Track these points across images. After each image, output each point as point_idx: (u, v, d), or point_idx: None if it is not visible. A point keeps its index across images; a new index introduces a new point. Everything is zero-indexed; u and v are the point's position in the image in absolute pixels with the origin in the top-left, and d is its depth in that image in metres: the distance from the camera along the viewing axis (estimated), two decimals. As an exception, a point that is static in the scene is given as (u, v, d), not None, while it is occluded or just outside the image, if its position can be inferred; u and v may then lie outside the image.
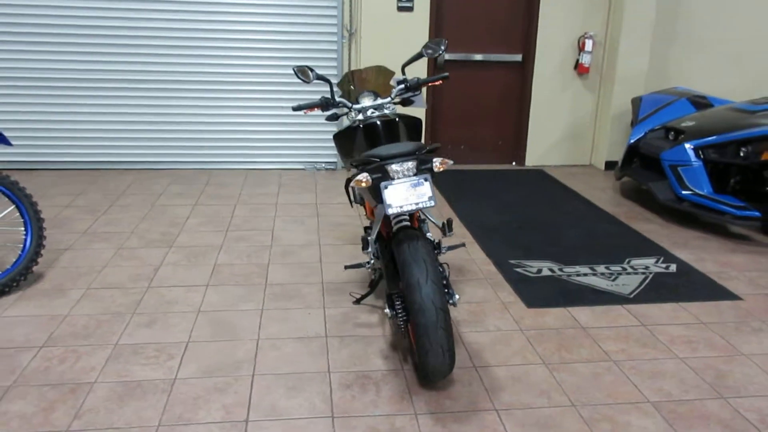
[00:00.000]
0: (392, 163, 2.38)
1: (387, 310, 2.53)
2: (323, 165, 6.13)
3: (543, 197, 5.32)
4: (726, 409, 2.45)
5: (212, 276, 3.60)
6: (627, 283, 3.61)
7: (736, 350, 2.90)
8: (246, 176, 5.80)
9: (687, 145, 4.54)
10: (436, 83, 3.30)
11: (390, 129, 3.07)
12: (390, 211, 2.32)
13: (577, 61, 6.16)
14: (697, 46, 6.33)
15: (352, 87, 3.55)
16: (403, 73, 3.33)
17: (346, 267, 3.04)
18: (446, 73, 3.31)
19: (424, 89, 5.95)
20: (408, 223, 2.87)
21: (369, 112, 3.33)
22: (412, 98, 3.43)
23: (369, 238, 3.06)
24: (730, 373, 2.71)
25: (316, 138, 6.04)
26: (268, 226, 4.47)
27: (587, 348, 2.90)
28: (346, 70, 5.83)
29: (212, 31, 5.70)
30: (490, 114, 6.37)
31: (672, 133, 4.89)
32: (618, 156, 6.30)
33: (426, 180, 2.35)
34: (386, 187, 2.33)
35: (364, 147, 3.05)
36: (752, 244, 4.28)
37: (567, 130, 6.39)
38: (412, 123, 3.17)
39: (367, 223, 4.40)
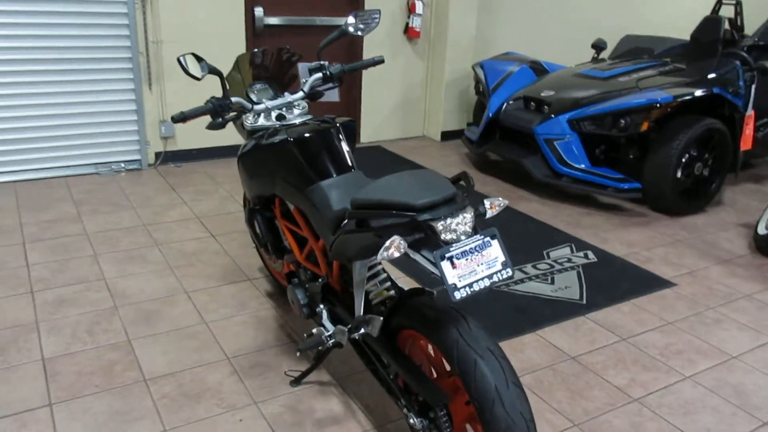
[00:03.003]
0: (440, 217, 1.52)
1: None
2: (123, 165, 4.71)
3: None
4: (780, 439, 2.19)
5: (49, 386, 2.32)
6: (568, 284, 3.23)
7: (723, 353, 2.70)
8: (17, 193, 4.15)
9: (562, 118, 4.32)
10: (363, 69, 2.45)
11: (330, 144, 2.16)
12: (457, 296, 1.48)
13: (407, 24, 5.60)
14: (504, 10, 6.22)
15: (240, 78, 2.50)
16: (320, 57, 2.41)
17: (299, 351, 2.10)
18: (381, 56, 2.47)
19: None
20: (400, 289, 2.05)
21: (274, 115, 2.36)
22: (324, 90, 2.53)
23: (320, 308, 2.17)
24: (743, 386, 2.47)
25: (108, 131, 4.58)
26: (94, 272, 3.15)
27: (597, 388, 2.43)
28: (141, 39, 4.46)
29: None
30: (319, 87, 5.52)
31: (533, 103, 4.65)
32: (455, 125, 6.00)
33: (494, 237, 1.56)
34: (445, 259, 1.48)
35: (295, 174, 2.10)
36: (630, 215, 4.26)
37: (399, 100, 5.86)
38: (350, 130, 2.29)
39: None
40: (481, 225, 1.60)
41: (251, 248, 3.48)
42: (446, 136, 5.98)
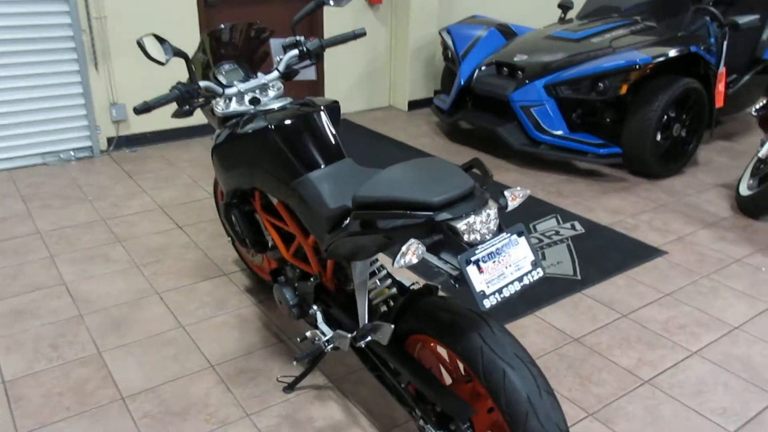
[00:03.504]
0: (461, 215, 1.34)
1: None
2: (72, 153, 4.36)
3: (371, 156, 4.53)
4: (796, 414, 2.13)
5: (13, 413, 2.08)
6: (560, 260, 3.12)
7: (724, 323, 2.63)
8: (-44, 190, 3.79)
9: (538, 84, 4.16)
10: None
11: (316, 130, 1.95)
12: (487, 305, 1.31)
13: (368, -11, 5.32)
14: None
15: (207, 59, 2.25)
16: (294, 32, 2.17)
17: (296, 360, 1.91)
18: (362, 28, 2.24)
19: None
20: (413, 285, 1.88)
21: (247, 99, 2.13)
22: (301, 68, 2.30)
23: (314, 310, 1.98)
24: (750, 359, 2.41)
25: (54, 117, 4.22)
26: (52, 277, 2.87)
27: (606, 371, 2.33)
28: (83, 15, 4.08)
29: None
30: (279, 59, 5.22)
31: (505, 69, 4.47)
32: (422, 94, 5.79)
33: (521, 234, 1.38)
34: (470, 263, 1.30)
35: (279, 166, 1.89)
36: (611, 180, 4.17)
37: (364, 70, 5.60)
38: (335, 113, 2.08)
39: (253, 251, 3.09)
40: (503, 220, 1.43)
41: (223, 238, 3.25)
42: (414, 105, 5.77)
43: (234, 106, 2.11)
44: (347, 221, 1.60)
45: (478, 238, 1.35)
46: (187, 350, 2.39)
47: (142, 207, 3.62)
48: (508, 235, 1.37)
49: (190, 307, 2.67)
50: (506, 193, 1.47)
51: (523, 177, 4.20)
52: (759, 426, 2.07)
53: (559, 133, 4.16)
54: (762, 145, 3.75)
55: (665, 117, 4.02)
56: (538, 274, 1.39)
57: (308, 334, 2.02)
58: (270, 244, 2.28)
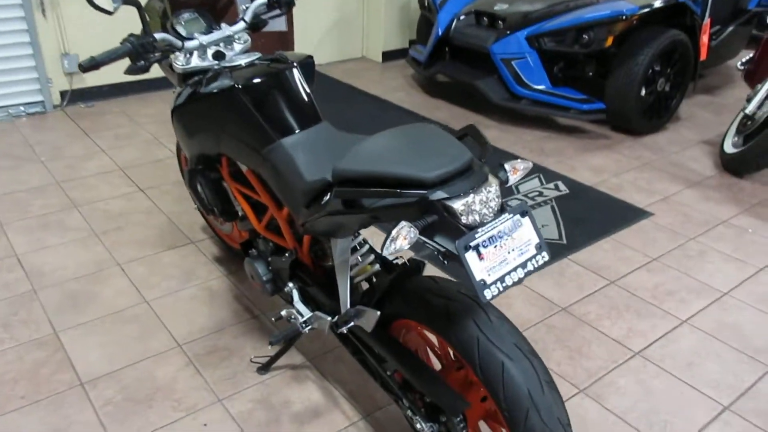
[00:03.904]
0: (458, 193, 1.18)
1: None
2: (23, 109, 4.04)
3: (345, 113, 4.32)
4: (789, 385, 2.07)
5: (-38, 399, 1.90)
6: (545, 223, 3.00)
7: (713, 289, 2.55)
8: None
9: (520, 35, 3.96)
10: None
11: (289, 90, 1.75)
12: (488, 296, 1.17)
13: (339, -70, 4.98)
14: None
15: (162, 7, 2.00)
16: (262, -23, 1.94)
17: (271, 343, 1.76)
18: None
19: None
20: (399, 260, 1.73)
21: (210, 53, 1.92)
22: (270, 18, 2.08)
23: (289, 287, 1.83)
24: (741, 327, 2.34)
25: (0, 69, 3.88)
26: (2, 247, 2.65)
27: (596, 343, 2.24)
28: (28, -44, 3.70)
29: None
30: (245, 7, 4.89)
31: (485, 18, 4.25)
32: (397, 44, 5.53)
33: (524, 215, 1.23)
34: (470, 249, 1.15)
35: (248, 131, 1.70)
36: (593, 137, 4.03)
37: (335, 18, 5.30)
38: (309, 70, 1.88)
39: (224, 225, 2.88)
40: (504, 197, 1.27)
41: (189, 202, 3.04)
42: (388, 56, 5.51)
43: (195, 62, 1.89)
44: (327, 197, 1.43)
45: (478, 219, 1.19)
46: (151, 328, 2.22)
47: (100, 168, 3.37)
48: (511, 215, 1.22)
49: (154, 279, 2.49)
50: (507, 165, 1.31)
51: (503, 134, 4.04)
52: (753, 399, 2.01)
53: (541, 87, 3.99)
54: (748, 101, 3.63)
55: (650, 71, 3.87)
56: (543, 258, 1.25)
57: (283, 313, 1.86)
58: (240, 214, 2.10)
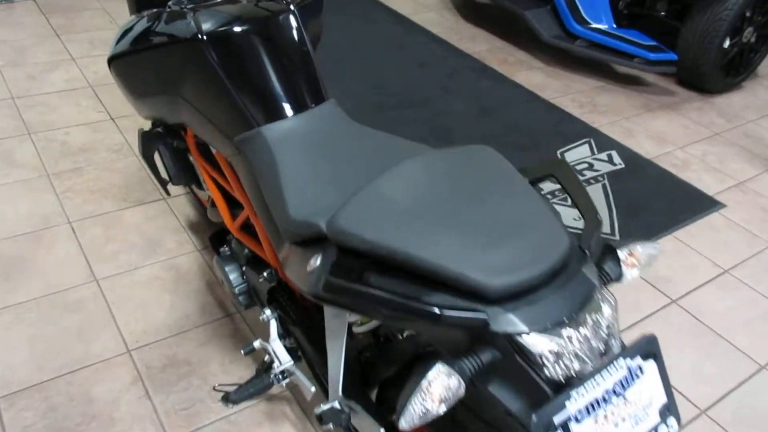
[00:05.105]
0: (544, 324, 0.66)
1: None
2: (-14, -5, 3.41)
3: (359, 36, 3.66)
4: None
5: None
6: (594, 208, 2.47)
7: (798, 322, 2.06)
8: None
9: (587, -42, 3.24)
10: None
11: (280, 49, 1.19)
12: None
13: None
14: None
15: None
16: None
17: (245, 352, 1.30)
18: None
19: None
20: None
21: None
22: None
23: (265, 316, 1.35)
24: (833, 381, 1.87)
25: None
26: (-71, 185, 2.16)
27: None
28: None
29: None
30: None
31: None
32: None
33: (648, 358, 0.72)
34: (557, 429, 0.65)
35: (217, 107, 1.15)
36: (655, 92, 3.40)
37: None
38: (315, 14, 1.30)
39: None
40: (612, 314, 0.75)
41: (166, 142, 2.51)
42: (421, -36, 4.72)
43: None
44: (319, 258, 0.90)
45: (575, 369, 0.68)
46: (97, 321, 1.77)
47: (67, 83, 2.81)
48: (628, 361, 0.71)
49: (110, 247, 2.01)
50: (621, 251, 0.78)
51: (548, 79, 3.41)
52: None
53: (603, 27, 3.31)
54: None
55: (742, 17, 3.18)
56: (671, 430, 0.75)
57: (256, 344, 1.40)
58: (208, 197, 1.58)
